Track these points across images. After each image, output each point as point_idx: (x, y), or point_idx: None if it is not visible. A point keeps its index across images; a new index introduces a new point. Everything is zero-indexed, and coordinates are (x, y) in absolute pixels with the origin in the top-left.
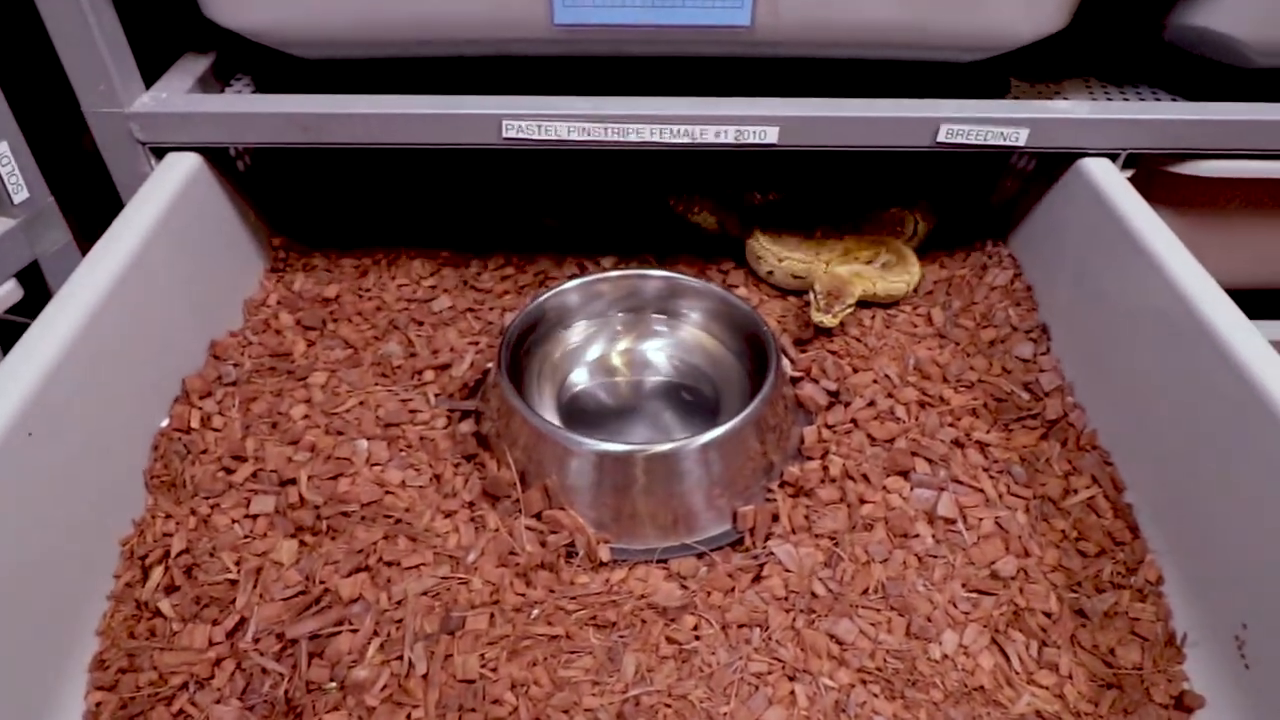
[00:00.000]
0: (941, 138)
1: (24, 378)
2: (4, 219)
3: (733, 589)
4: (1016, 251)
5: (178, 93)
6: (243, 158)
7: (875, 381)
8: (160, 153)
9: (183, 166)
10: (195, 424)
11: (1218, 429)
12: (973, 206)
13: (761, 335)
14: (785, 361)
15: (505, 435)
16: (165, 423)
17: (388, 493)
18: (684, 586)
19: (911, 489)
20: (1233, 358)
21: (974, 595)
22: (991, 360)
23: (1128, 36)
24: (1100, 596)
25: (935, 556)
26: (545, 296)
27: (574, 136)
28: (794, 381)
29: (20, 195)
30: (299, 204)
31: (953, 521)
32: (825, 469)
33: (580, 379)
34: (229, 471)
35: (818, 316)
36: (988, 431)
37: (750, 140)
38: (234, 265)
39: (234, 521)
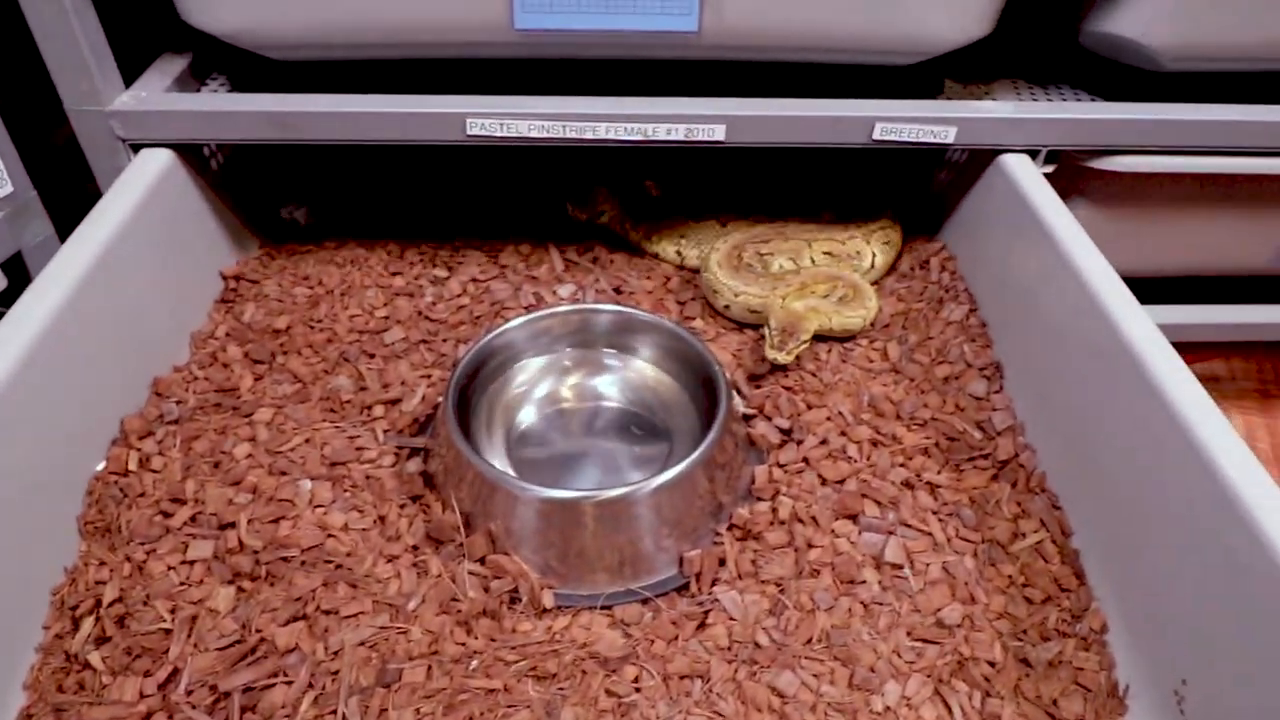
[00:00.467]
0: (877, 135)
1: None
2: None
3: (676, 637)
4: (948, 240)
5: (156, 91)
6: (216, 156)
7: (829, 419)
8: (139, 150)
9: (156, 162)
10: (133, 466)
11: (1150, 462)
12: (913, 198)
13: (712, 374)
14: (738, 399)
15: (451, 477)
16: (101, 466)
17: (329, 536)
18: (627, 634)
19: (860, 533)
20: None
21: (919, 644)
22: (945, 397)
23: (1051, 42)
24: (1045, 645)
25: (881, 604)
26: (493, 334)
27: (534, 134)
28: (746, 419)
29: (5, 189)
30: (267, 207)
31: (900, 567)
32: (775, 511)
33: (529, 417)
34: (166, 515)
35: (771, 353)
36: (939, 472)
37: (700, 138)
38: (199, 274)
39: (170, 568)
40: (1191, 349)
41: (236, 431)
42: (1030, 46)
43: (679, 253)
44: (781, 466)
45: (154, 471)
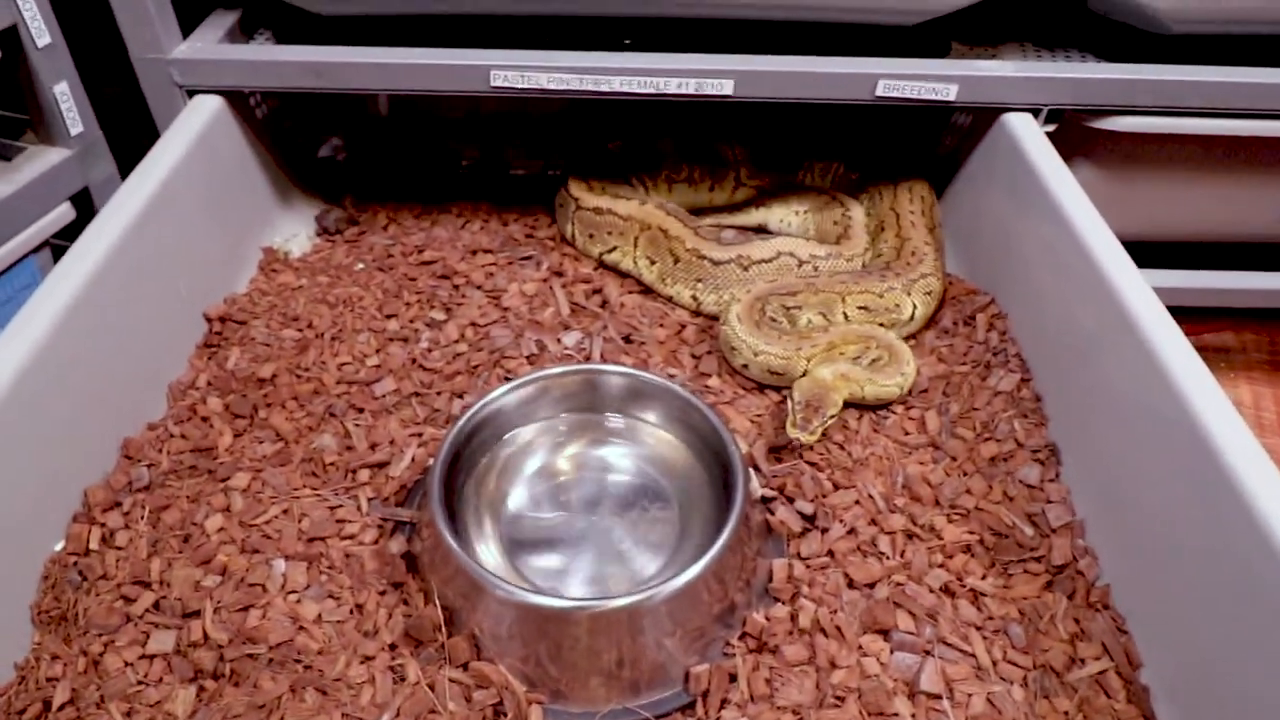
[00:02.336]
0: (880, 92)
1: None
2: (62, 149)
3: None
4: (951, 200)
5: (210, 43)
6: (261, 106)
7: (858, 502)
8: (193, 95)
9: (208, 106)
10: (94, 544)
11: (1245, 588)
12: (921, 159)
13: (728, 456)
14: (755, 480)
15: (435, 566)
16: (59, 546)
17: (301, 629)
18: None
19: (892, 652)
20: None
21: None
22: (992, 482)
23: (1059, 5)
24: None
25: None
26: (487, 400)
27: (553, 86)
28: (765, 501)
29: (76, 128)
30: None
31: (937, 698)
32: (794, 618)
33: (524, 491)
34: (128, 601)
35: (794, 432)
36: (984, 576)
37: (709, 91)
38: (242, 223)
39: (128, 664)
40: (1200, 317)
41: (210, 500)
42: (1039, 10)
43: (695, 298)
44: (804, 560)
45: (117, 549)
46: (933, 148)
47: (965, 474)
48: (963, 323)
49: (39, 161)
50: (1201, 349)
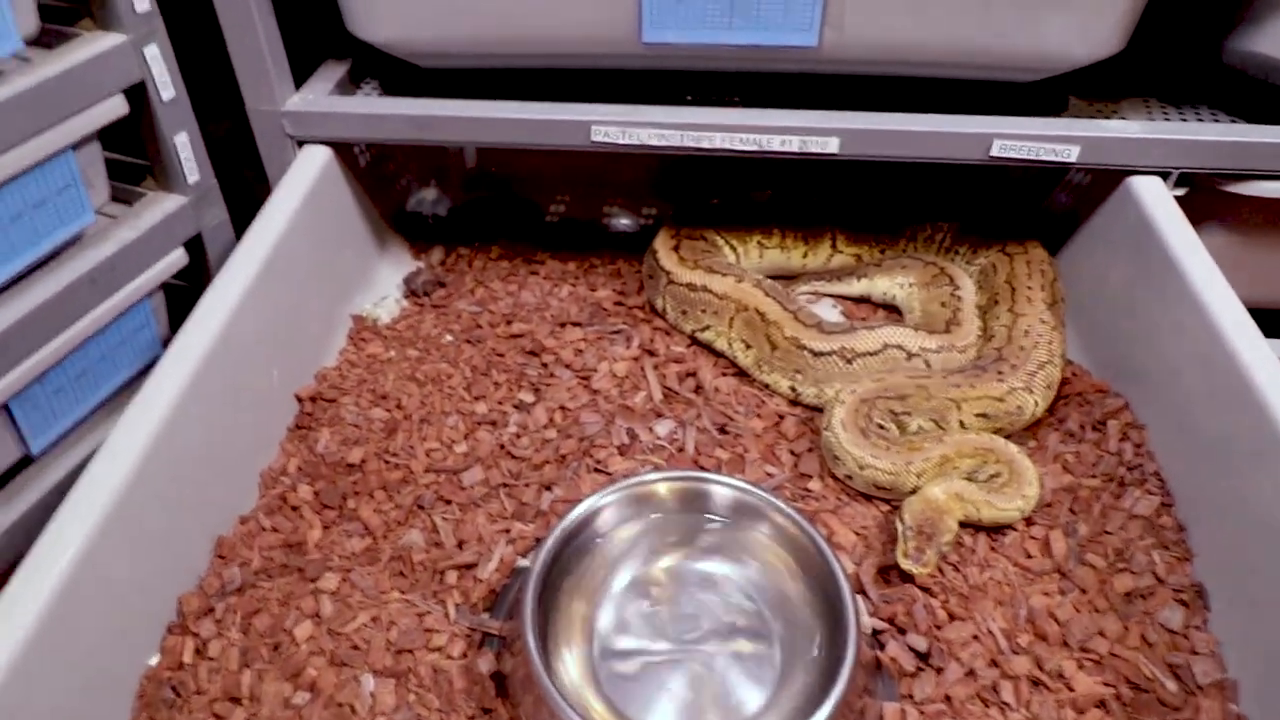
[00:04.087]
0: (995, 152)
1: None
2: (179, 196)
3: None
4: (1066, 266)
5: (320, 94)
6: (365, 153)
7: (976, 637)
8: (302, 144)
9: (318, 157)
10: (188, 658)
11: None
12: (1024, 214)
13: (839, 591)
14: (863, 609)
15: (525, 692)
16: (155, 660)
17: None
18: None
19: None
20: None
21: None
22: (1128, 623)
23: (1187, 59)
24: None
25: None
26: (582, 510)
27: (654, 142)
28: (874, 634)
29: (193, 176)
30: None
31: None
32: None
33: (617, 613)
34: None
35: (905, 563)
36: None
37: (813, 149)
38: (348, 269)
39: None
40: None
41: (300, 604)
42: (1164, 64)
43: (793, 388)
44: (917, 706)
45: (210, 660)
46: (1041, 202)
47: (1097, 610)
48: (1091, 427)
49: (158, 208)
50: None
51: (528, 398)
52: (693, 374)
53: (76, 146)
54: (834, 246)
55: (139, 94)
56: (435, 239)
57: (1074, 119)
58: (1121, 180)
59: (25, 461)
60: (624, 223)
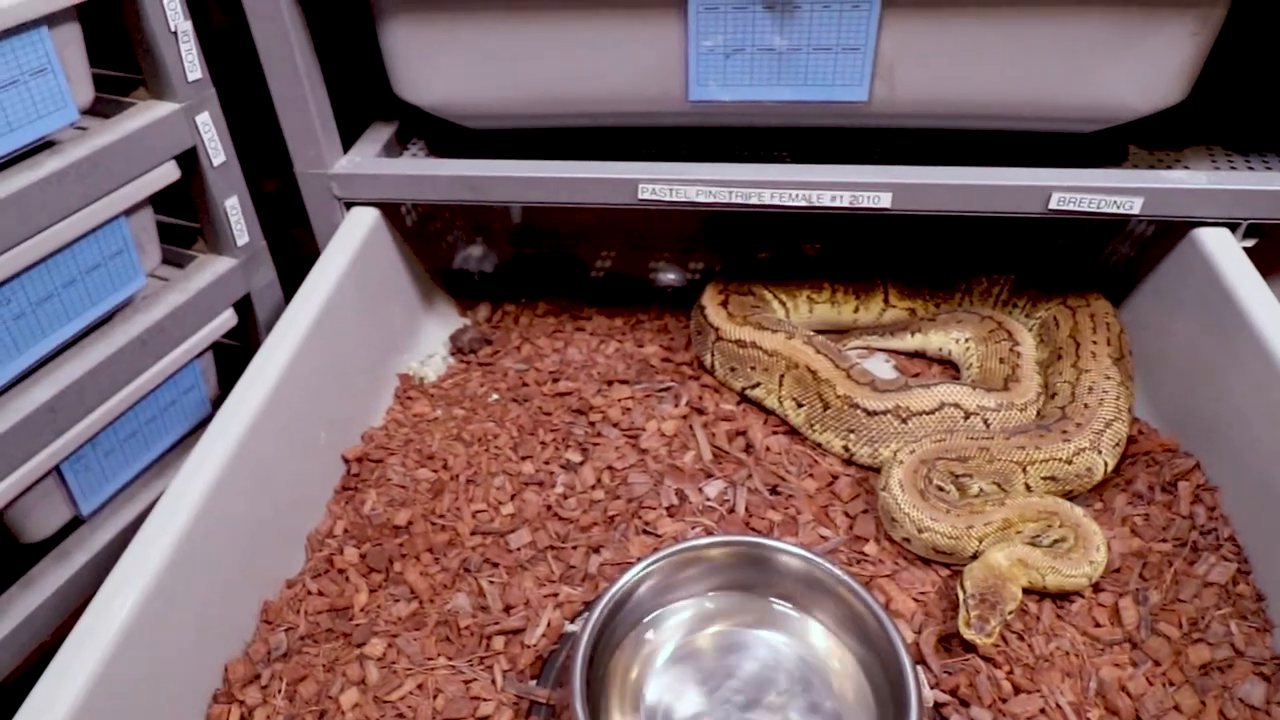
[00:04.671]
0: (1053, 205)
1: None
2: (229, 258)
3: None
4: (1128, 318)
5: (368, 156)
6: (410, 213)
7: (1044, 711)
8: (350, 206)
9: (366, 219)
10: None
11: None
12: (1083, 266)
13: (901, 669)
14: (925, 684)
15: None
16: None
17: None
18: None
19: None
20: None
21: None
22: (1205, 698)
23: (1253, 107)
24: None
25: None
26: (629, 577)
27: (702, 199)
28: (937, 707)
29: (243, 239)
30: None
31: None
32: None
33: (668, 680)
34: None
35: (968, 633)
36: None
37: (864, 205)
38: (393, 330)
39: None
40: None
41: (345, 670)
42: (1228, 112)
43: (847, 448)
44: None
45: None
46: (1100, 253)
47: (1171, 684)
48: (1160, 489)
49: (208, 270)
50: None
51: (575, 458)
52: (743, 433)
53: (129, 213)
54: (886, 300)
55: (190, 159)
56: (481, 295)
57: (1135, 170)
58: (1186, 232)
59: (75, 522)
60: (670, 277)
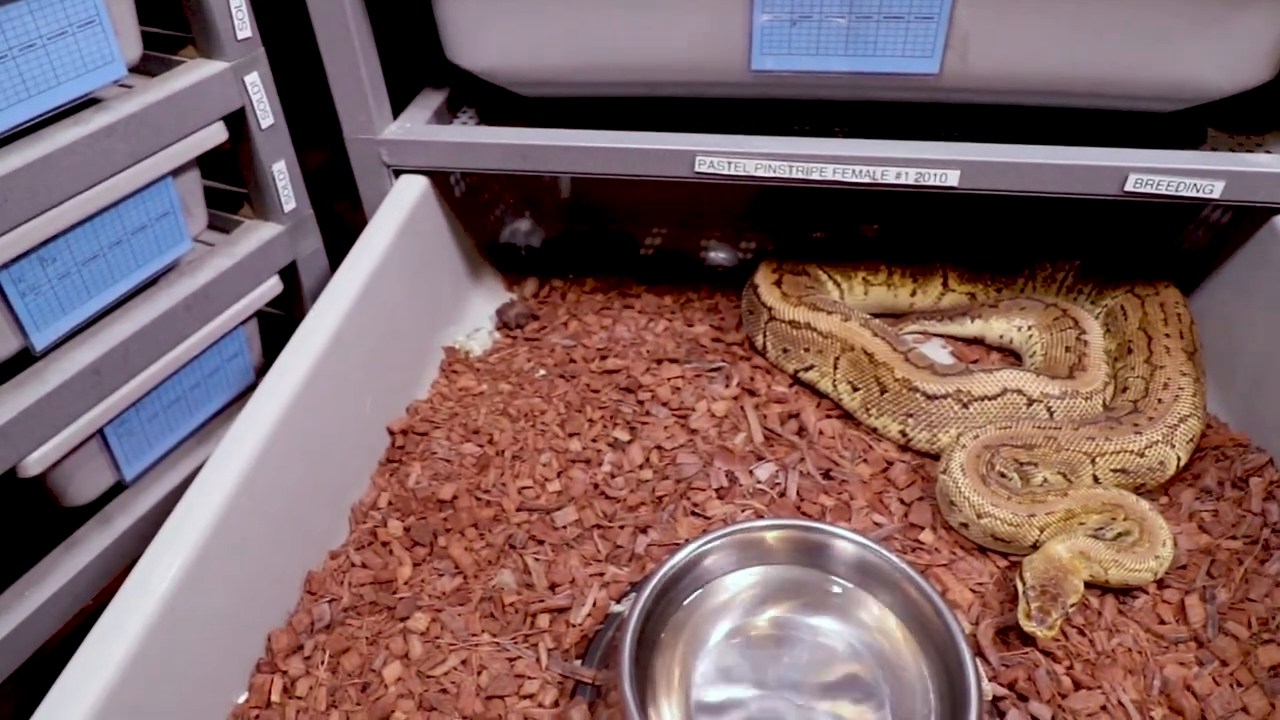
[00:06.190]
0: (1130, 187)
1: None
2: (275, 224)
3: None
4: (1198, 307)
5: (418, 123)
6: (460, 183)
7: (1105, 708)
8: (399, 174)
9: (414, 187)
10: (276, 696)
11: None
12: (1153, 252)
13: (962, 663)
14: (984, 676)
15: None
16: (243, 698)
17: None
18: None
19: None
20: None
21: None
22: (1274, 701)
23: None
24: None
25: None
26: (680, 558)
27: (761, 173)
28: (994, 701)
29: (290, 205)
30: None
31: None
32: None
33: (719, 661)
34: None
35: (1028, 625)
36: None
37: (930, 182)
38: (441, 299)
39: None
40: None
41: (389, 644)
42: None
43: (904, 433)
44: None
45: (298, 699)
46: (1173, 239)
47: (1239, 684)
48: (1231, 484)
49: (254, 236)
50: None
51: (623, 436)
52: (795, 415)
53: (176, 173)
54: (945, 284)
55: (238, 121)
56: (529, 270)
57: (1215, 152)
58: (1267, 219)
59: (118, 488)
60: (721, 256)
